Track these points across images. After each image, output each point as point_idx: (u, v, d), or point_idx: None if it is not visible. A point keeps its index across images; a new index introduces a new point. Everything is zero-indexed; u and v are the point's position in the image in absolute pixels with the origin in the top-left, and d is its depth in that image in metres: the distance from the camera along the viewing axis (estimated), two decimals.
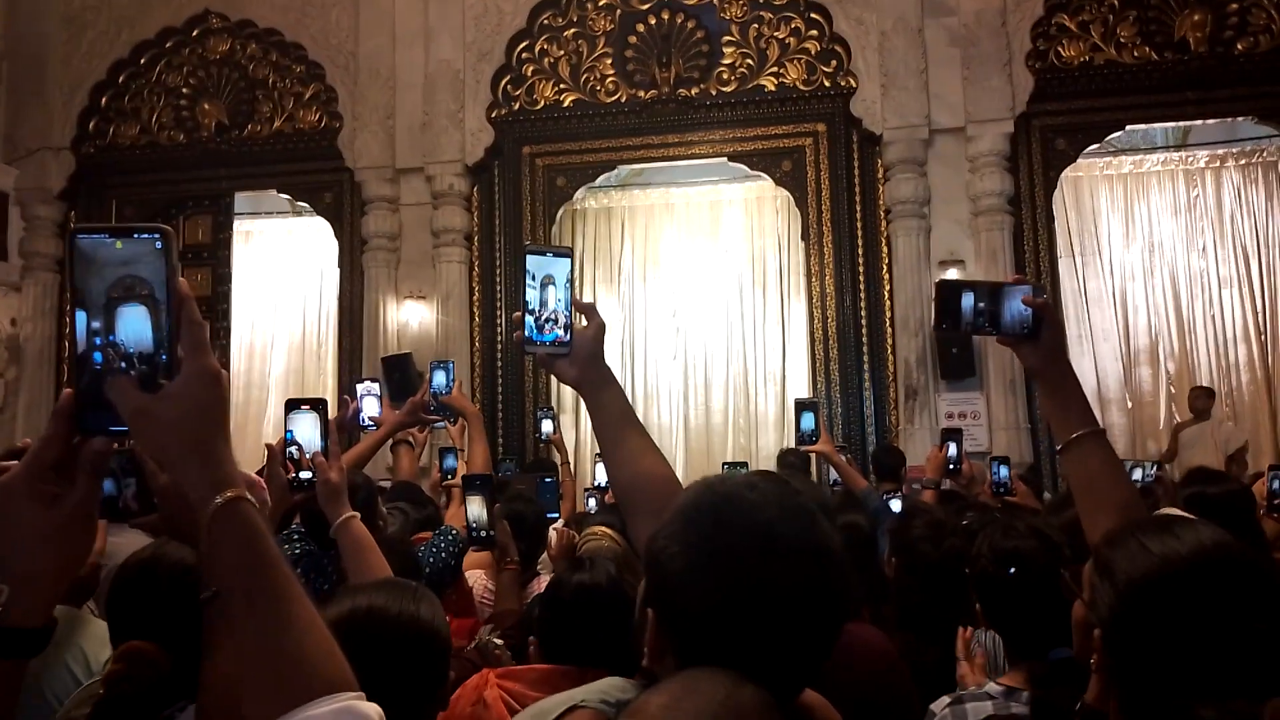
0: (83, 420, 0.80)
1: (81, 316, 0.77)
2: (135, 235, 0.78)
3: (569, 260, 1.38)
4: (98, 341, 0.78)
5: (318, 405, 1.94)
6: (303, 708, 0.74)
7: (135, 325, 0.78)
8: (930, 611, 2.30)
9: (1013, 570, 1.16)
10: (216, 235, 8.24)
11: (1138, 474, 4.37)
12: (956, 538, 2.37)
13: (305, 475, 1.91)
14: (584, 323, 1.39)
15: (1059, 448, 1.41)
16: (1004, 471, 3.70)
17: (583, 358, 1.36)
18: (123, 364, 0.77)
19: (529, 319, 1.35)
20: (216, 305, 8.17)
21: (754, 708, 0.81)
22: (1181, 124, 8.10)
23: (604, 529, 2.63)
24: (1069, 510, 1.90)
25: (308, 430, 1.93)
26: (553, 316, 1.36)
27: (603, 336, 1.39)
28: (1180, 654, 0.97)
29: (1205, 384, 8.59)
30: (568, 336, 1.36)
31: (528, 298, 1.34)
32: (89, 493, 0.81)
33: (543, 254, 1.36)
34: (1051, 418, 1.44)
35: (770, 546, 0.91)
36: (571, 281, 1.38)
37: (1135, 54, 7.06)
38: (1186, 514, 1.55)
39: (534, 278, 1.34)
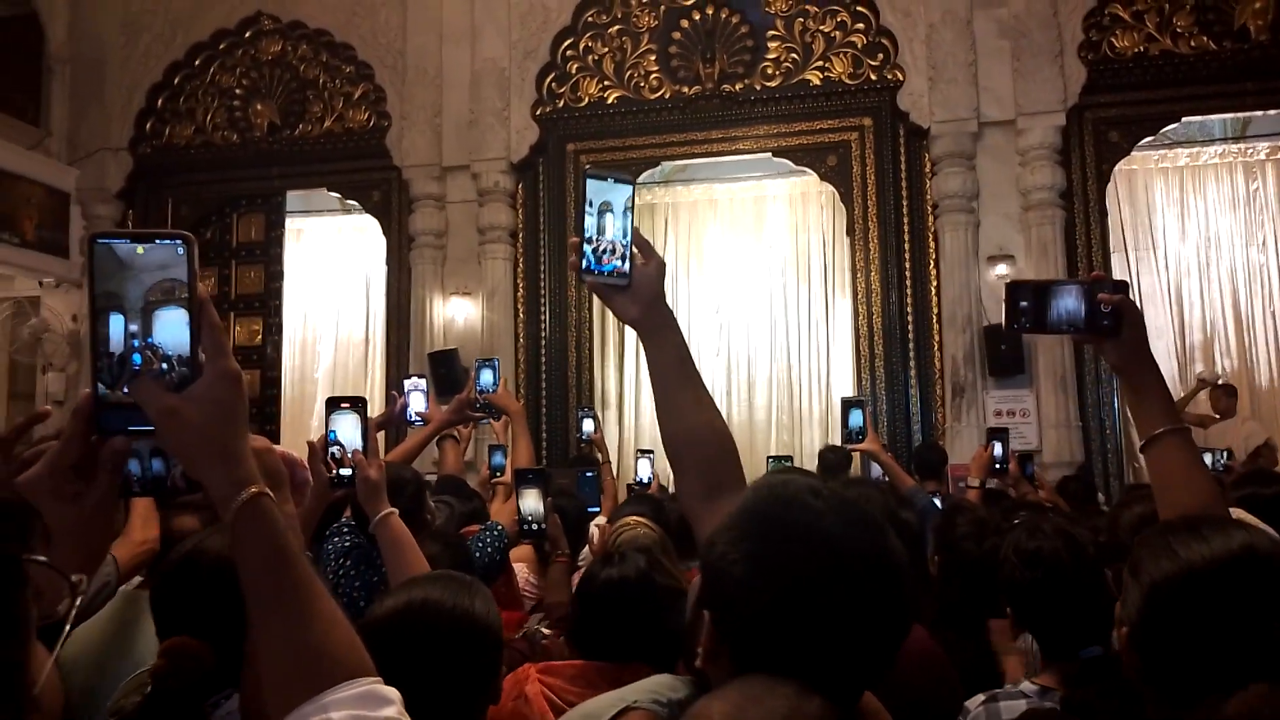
0: (102, 420, 0.82)
1: (118, 319, 0.80)
2: (158, 241, 0.81)
3: (630, 188, 1.28)
4: (136, 344, 0.80)
5: (357, 404, 1.97)
6: (327, 692, 0.77)
7: (174, 328, 0.80)
8: (970, 609, 2.29)
9: (1039, 574, 1.15)
10: (269, 233, 8.42)
11: (1207, 458, 4.31)
12: (998, 537, 2.36)
13: (345, 472, 1.95)
14: (641, 260, 1.30)
15: (1141, 444, 1.39)
16: (1029, 468, 3.78)
17: (645, 297, 1.27)
18: (164, 366, 0.80)
19: (587, 248, 1.25)
20: (269, 302, 8.35)
21: None
22: (1241, 115, 7.88)
23: (636, 518, 2.65)
24: (1137, 507, 1.87)
25: (349, 429, 1.96)
26: (610, 247, 1.26)
27: (664, 275, 1.31)
28: (1201, 656, 0.97)
29: (1265, 383, 8.37)
30: (626, 267, 1.27)
31: (585, 225, 1.25)
32: (109, 491, 0.85)
33: (603, 179, 1.26)
34: (1134, 414, 1.42)
35: (834, 559, 0.90)
36: (631, 210, 1.28)
37: (1192, 44, 6.88)
38: (1242, 513, 1.53)
39: (592, 204, 1.26)
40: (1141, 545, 1.09)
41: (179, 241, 0.81)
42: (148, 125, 8.35)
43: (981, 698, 1.51)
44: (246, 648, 1.04)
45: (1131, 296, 1.40)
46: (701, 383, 1.31)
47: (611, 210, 1.26)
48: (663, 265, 1.31)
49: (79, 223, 8.24)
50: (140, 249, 0.80)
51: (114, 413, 0.81)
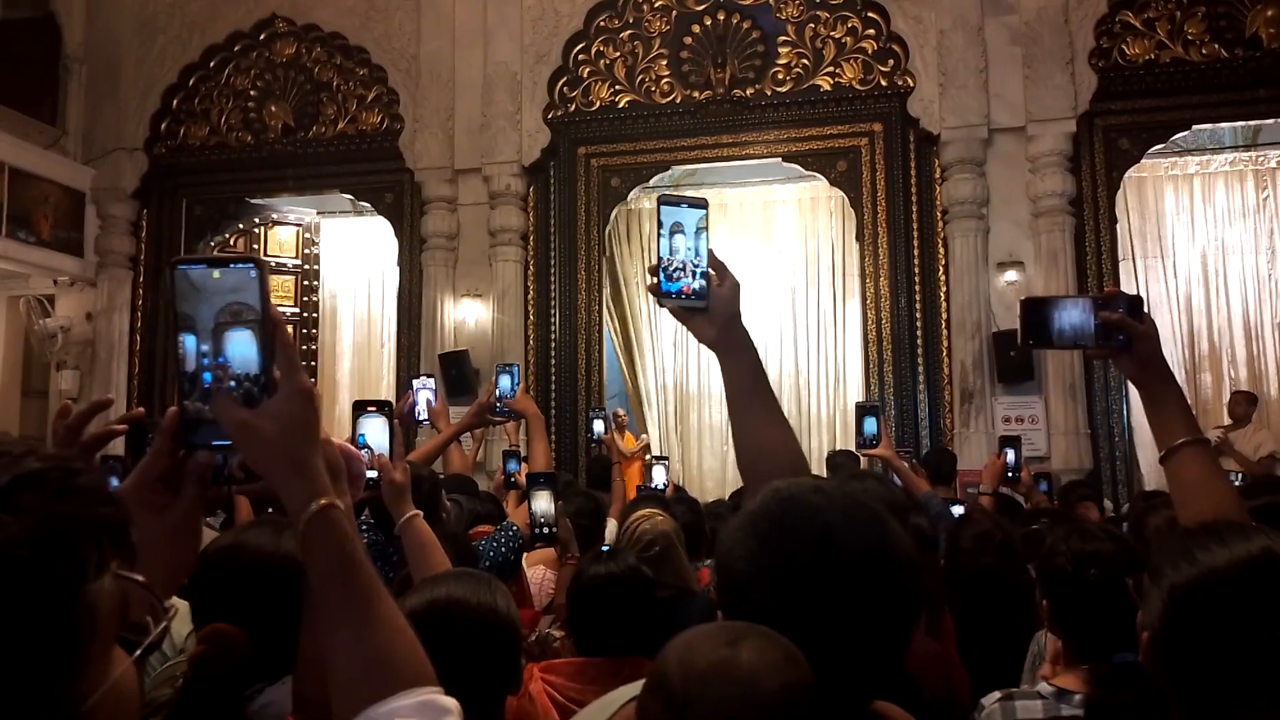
0: (187, 436, 0.88)
1: (191, 340, 0.85)
2: (232, 265, 0.86)
3: (702, 211, 1.30)
4: (206, 362, 0.85)
5: (384, 407, 2.02)
6: (387, 700, 0.80)
7: (242, 347, 0.85)
8: (971, 621, 2.32)
9: (1093, 572, 1.14)
10: (301, 250, 8.70)
11: None
12: (992, 556, 2.39)
13: (371, 475, 1.98)
14: (717, 281, 1.31)
15: (1160, 456, 1.39)
16: (1043, 485, 3.75)
17: (722, 318, 1.30)
18: (232, 383, 0.85)
19: (661, 272, 1.28)
20: (305, 314, 8.62)
21: (768, 655, 0.84)
22: (1251, 123, 7.88)
23: (651, 509, 2.69)
24: (1163, 512, 1.86)
25: (376, 432, 2.00)
26: (680, 264, 1.28)
27: (739, 296, 1.32)
28: (1224, 660, 0.98)
29: (1274, 393, 8.37)
30: (696, 284, 1.28)
31: (659, 248, 1.28)
32: (195, 502, 0.89)
33: (677, 205, 1.29)
34: (1153, 426, 1.41)
35: (830, 550, 0.92)
36: (704, 231, 1.29)
37: (1203, 51, 6.89)
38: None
39: (663, 227, 1.28)
40: (1161, 551, 1.10)
41: (250, 265, 0.86)
42: (163, 126, 8.41)
43: (997, 695, 1.51)
44: (300, 640, 1.06)
45: (1145, 308, 1.41)
46: (776, 402, 1.34)
47: (683, 230, 1.29)
48: (737, 286, 1.32)
49: (94, 222, 8.31)
50: (216, 273, 0.85)
51: (199, 428, 0.87)
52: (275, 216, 8.96)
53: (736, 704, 0.80)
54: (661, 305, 1.31)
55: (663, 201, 1.29)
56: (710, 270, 1.30)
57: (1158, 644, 1.05)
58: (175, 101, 8.41)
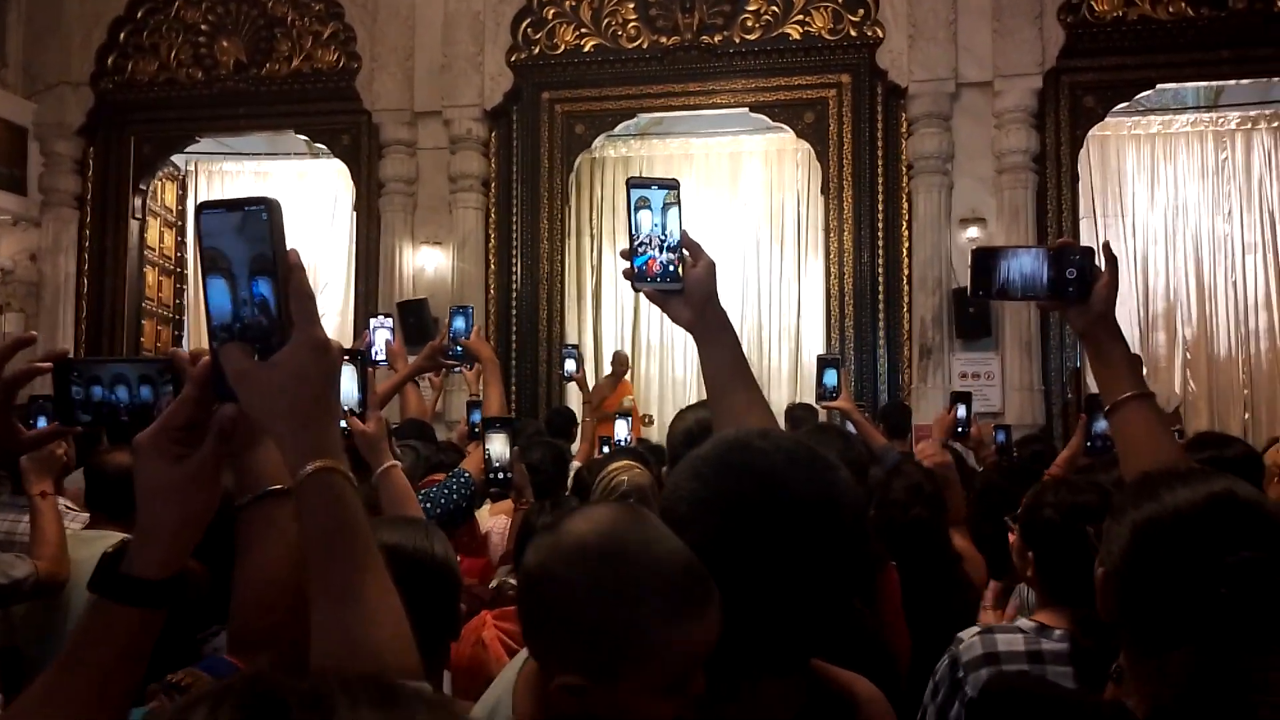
0: (218, 387, 0.82)
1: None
2: (245, 209, 0.79)
3: (667, 191, 1.27)
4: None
5: (355, 356, 1.95)
6: None
7: (217, 295, 0.79)
8: (902, 572, 2.35)
9: (1091, 529, 1.15)
10: (178, 203, 8.78)
11: None
12: (922, 507, 2.43)
13: (341, 425, 1.95)
14: (691, 262, 1.28)
15: (1106, 409, 1.40)
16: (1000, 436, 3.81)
17: (697, 299, 1.26)
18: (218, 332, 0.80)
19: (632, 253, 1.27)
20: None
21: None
22: (1214, 84, 7.92)
23: (629, 461, 2.67)
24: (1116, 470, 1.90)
25: (344, 382, 1.94)
26: (646, 239, 1.25)
27: (714, 275, 1.29)
28: (1184, 595, 0.99)
29: (1222, 351, 8.55)
30: (662, 258, 1.26)
31: (630, 230, 1.26)
32: (213, 454, 0.83)
33: (647, 186, 1.27)
34: (1098, 380, 1.42)
35: (769, 492, 0.92)
36: (671, 208, 1.26)
37: (1170, 10, 6.88)
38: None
39: (632, 207, 1.26)
40: (1124, 493, 1.11)
41: (261, 208, 0.79)
42: (109, 60, 8.08)
43: (976, 629, 1.54)
44: (234, 581, 1.03)
45: (1099, 261, 1.41)
46: (756, 385, 1.31)
47: (649, 206, 1.26)
48: (712, 266, 1.29)
49: (37, 159, 8.00)
50: (233, 217, 0.79)
51: (225, 379, 0.81)
52: (167, 169, 8.79)
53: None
54: (636, 289, 1.27)
55: (630, 185, 1.26)
56: (685, 251, 1.27)
57: (1117, 580, 1.05)
58: (122, 35, 8.07)
